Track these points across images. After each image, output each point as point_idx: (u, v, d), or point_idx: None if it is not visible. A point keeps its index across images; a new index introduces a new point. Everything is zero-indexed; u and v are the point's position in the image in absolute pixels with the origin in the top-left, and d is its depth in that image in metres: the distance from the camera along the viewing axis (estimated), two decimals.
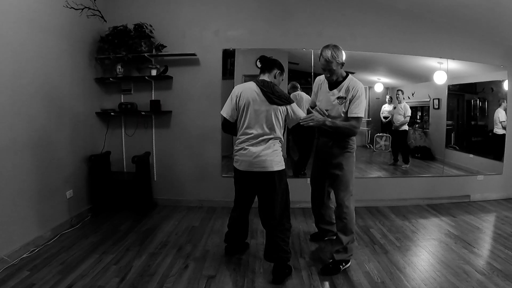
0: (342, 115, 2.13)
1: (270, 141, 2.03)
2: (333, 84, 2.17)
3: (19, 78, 2.34)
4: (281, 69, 2.18)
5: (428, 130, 4.04)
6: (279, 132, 2.06)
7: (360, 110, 2.07)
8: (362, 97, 2.08)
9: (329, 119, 2.09)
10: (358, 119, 2.08)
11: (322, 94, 2.25)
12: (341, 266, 2.19)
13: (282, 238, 2.06)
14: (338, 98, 2.13)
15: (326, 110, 2.18)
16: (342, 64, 2.09)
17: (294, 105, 2.10)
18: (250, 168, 2.03)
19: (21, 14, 2.34)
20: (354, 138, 2.22)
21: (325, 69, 2.10)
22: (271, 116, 2.01)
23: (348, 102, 2.09)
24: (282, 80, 2.23)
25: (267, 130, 2.02)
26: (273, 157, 2.02)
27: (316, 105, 2.30)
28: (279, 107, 2.02)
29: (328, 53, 2.03)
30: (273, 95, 2.01)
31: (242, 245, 2.48)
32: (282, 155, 2.11)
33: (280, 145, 2.10)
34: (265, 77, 2.12)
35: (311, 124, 2.01)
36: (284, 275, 2.07)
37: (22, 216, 2.38)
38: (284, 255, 2.05)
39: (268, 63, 2.15)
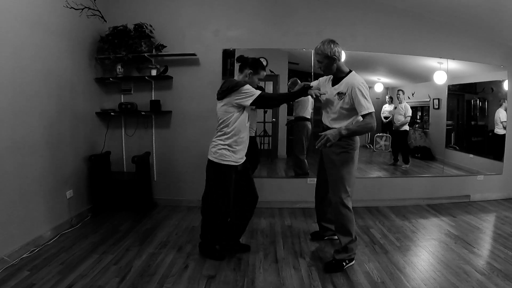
0: (342, 111, 2.12)
1: (216, 133, 2.21)
2: (335, 80, 2.18)
3: (19, 78, 2.34)
4: (254, 68, 2.18)
5: (428, 130, 4.05)
6: (222, 125, 2.15)
7: (367, 106, 2.00)
8: (363, 92, 2.01)
9: (344, 128, 2.00)
10: (369, 114, 2.00)
11: (327, 90, 2.23)
12: (344, 264, 2.19)
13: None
14: (338, 94, 2.12)
15: (323, 94, 2.20)
16: (333, 58, 2.07)
17: (239, 90, 2.07)
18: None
19: (21, 14, 2.34)
20: (356, 137, 2.19)
21: (318, 61, 2.14)
22: (220, 112, 2.16)
23: (347, 98, 2.07)
24: (259, 79, 2.24)
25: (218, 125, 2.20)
26: (211, 147, 2.21)
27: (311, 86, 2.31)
28: (223, 100, 2.12)
29: (318, 45, 2.09)
30: (219, 91, 2.14)
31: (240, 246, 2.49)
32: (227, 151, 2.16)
33: (221, 137, 2.16)
34: (237, 77, 2.22)
35: (328, 144, 1.95)
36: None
37: (22, 216, 2.38)
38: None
39: (241, 63, 2.22)
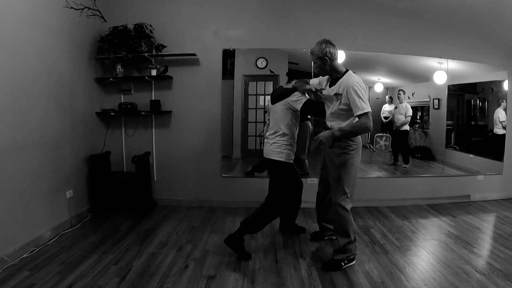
0: (340, 112, 2.11)
1: (276, 135, 2.39)
2: (333, 81, 2.17)
3: (19, 78, 2.34)
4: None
5: (428, 130, 4.05)
6: (283, 126, 2.35)
7: (362, 106, 1.95)
8: (358, 92, 1.96)
9: (336, 129, 1.98)
10: (365, 114, 1.95)
11: (325, 91, 2.24)
12: (342, 263, 2.19)
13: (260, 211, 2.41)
14: (335, 94, 2.11)
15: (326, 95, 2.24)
16: (324, 59, 2.06)
17: (293, 94, 2.33)
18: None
19: (21, 14, 2.34)
20: (357, 138, 2.16)
21: (313, 62, 2.16)
22: (273, 113, 2.42)
23: (344, 99, 2.05)
24: None
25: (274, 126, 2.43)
26: (272, 148, 2.38)
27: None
28: (278, 104, 2.36)
29: (313, 46, 2.12)
30: (273, 95, 2.38)
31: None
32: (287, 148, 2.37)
33: (284, 138, 2.36)
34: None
35: (322, 147, 1.99)
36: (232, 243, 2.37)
37: (22, 216, 2.38)
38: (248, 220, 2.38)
39: (289, 78, 2.62)
